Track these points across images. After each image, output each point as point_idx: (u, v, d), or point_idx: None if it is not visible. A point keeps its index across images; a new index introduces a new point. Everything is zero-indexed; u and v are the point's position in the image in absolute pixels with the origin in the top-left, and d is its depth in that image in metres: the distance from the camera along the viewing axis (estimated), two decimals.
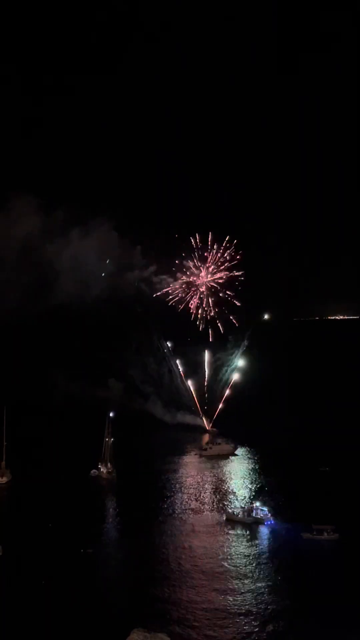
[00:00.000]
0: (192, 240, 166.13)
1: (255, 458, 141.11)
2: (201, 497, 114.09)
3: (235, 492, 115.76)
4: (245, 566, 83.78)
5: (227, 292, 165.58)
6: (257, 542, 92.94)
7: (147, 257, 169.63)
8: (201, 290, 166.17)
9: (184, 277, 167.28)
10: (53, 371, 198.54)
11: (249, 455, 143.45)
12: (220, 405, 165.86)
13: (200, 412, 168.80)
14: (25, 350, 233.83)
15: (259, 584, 78.55)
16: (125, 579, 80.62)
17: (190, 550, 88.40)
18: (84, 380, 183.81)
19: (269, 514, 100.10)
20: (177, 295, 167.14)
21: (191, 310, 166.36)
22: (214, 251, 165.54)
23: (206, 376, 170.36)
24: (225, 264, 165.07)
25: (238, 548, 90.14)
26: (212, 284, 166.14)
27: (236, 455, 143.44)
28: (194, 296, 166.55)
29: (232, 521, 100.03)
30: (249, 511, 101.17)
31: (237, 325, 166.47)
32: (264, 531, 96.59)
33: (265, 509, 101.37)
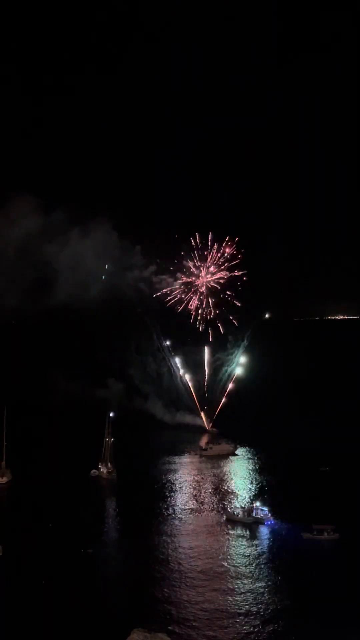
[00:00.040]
0: (192, 240, 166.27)
1: (255, 458, 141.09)
2: (201, 497, 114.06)
3: (235, 492, 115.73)
4: (245, 566, 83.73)
5: (227, 292, 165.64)
6: (257, 542, 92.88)
7: (147, 257, 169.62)
8: (201, 290, 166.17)
9: (183, 277, 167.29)
10: (53, 371, 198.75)
11: (249, 455, 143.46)
12: (220, 405, 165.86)
13: (200, 412, 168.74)
14: (25, 350, 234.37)
15: (259, 584, 78.51)
16: (125, 579, 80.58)
17: (190, 550, 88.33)
18: (83, 380, 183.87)
19: (269, 514, 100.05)
20: (177, 296, 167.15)
21: (191, 311, 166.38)
22: (214, 251, 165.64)
23: (206, 376, 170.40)
24: (225, 264, 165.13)
25: (238, 548, 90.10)
26: (212, 284, 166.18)
27: (236, 455, 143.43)
28: (194, 296, 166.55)
29: (232, 521, 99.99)
30: (249, 511, 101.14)
31: (237, 325, 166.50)
32: (264, 531, 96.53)
33: (265, 509, 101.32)
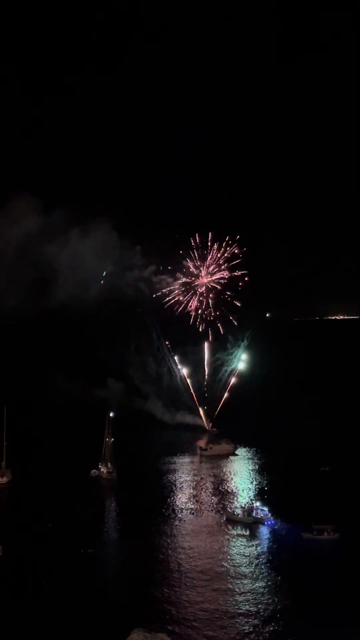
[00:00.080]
0: (192, 240, 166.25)
1: (255, 458, 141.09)
2: (201, 497, 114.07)
3: (235, 492, 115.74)
4: (245, 566, 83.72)
5: (227, 293, 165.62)
6: (257, 542, 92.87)
7: (147, 257, 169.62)
8: (201, 290, 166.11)
9: (183, 278, 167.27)
10: (53, 371, 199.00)
11: (249, 455, 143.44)
12: (222, 401, 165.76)
13: (200, 412, 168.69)
14: (25, 350, 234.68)
15: (259, 584, 78.52)
16: (125, 579, 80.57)
17: (190, 550, 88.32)
18: (83, 380, 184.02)
19: (269, 514, 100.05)
20: (177, 296, 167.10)
21: (191, 312, 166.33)
22: (214, 251, 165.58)
23: (206, 376, 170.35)
24: (225, 264, 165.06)
25: (238, 548, 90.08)
26: (212, 284, 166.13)
27: (236, 455, 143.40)
28: (194, 296, 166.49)
29: (232, 521, 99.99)
30: (249, 511, 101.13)
31: (237, 325, 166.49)
32: (264, 531, 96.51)
33: (265, 509, 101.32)
